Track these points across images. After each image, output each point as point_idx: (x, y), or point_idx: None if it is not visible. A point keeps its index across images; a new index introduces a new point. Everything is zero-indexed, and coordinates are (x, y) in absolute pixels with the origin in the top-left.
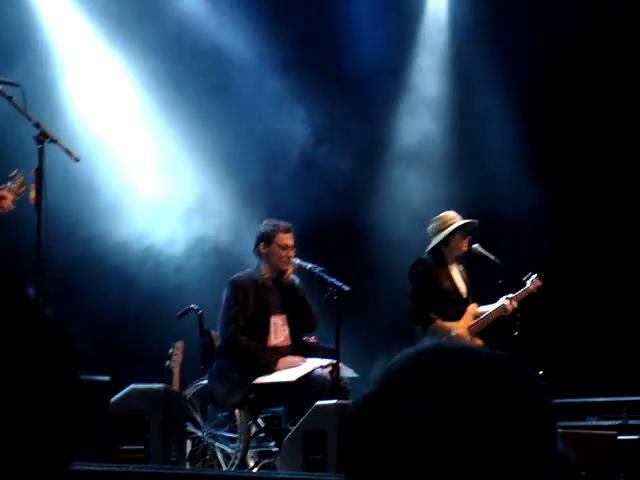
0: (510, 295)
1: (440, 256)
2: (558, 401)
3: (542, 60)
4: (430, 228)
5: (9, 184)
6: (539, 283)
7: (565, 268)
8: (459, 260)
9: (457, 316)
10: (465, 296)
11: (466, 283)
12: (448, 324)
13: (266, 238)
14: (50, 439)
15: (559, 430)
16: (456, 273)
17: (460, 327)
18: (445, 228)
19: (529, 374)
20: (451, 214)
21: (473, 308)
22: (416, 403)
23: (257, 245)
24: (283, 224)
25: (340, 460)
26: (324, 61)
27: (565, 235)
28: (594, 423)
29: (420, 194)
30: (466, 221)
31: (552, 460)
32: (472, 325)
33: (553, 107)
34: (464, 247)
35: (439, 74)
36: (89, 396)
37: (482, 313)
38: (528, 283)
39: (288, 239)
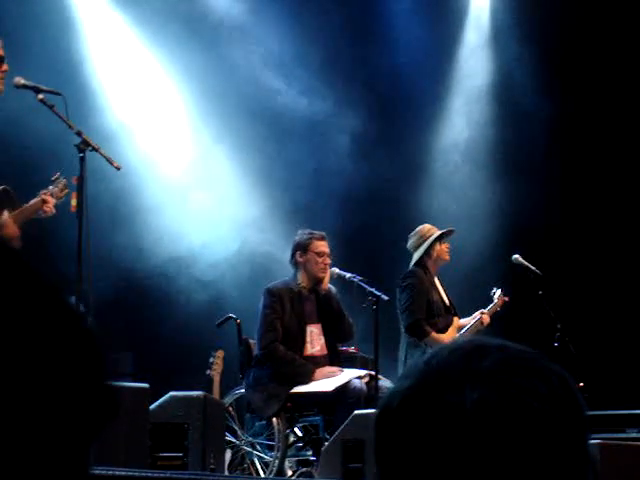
0: (484, 310)
1: (425, 269)
2: (598, 413)
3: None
4: (409, 244)
5: (51, 187)
6: (504, 299)
7: (603, 277)
8: (438, 272)
9: (445, 328)
10: (449, 308)
11: (447, 294)
12: (442, 336)
13: (302, 247)
14: (71, 444)
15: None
16: (439, 285)
17: (447, 340)
18: (424, 241)
19: (563, 372)
20: (427, 226)
21: (457, 321)
22: (466, 396)
23: (293, 254)
24: (318, 232)
25: (376, 453)
26: (367, 77)
27: (609, 243)
28: (634, 435)
29: (465, 203)
30: (443, 231)
31: (588, 458)
32: (457, 338)
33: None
34: (446, 256)
35: (482, 72)
36: (129, 403)
37: (464, 325)
38: (495, 298)
39: (324, 246)
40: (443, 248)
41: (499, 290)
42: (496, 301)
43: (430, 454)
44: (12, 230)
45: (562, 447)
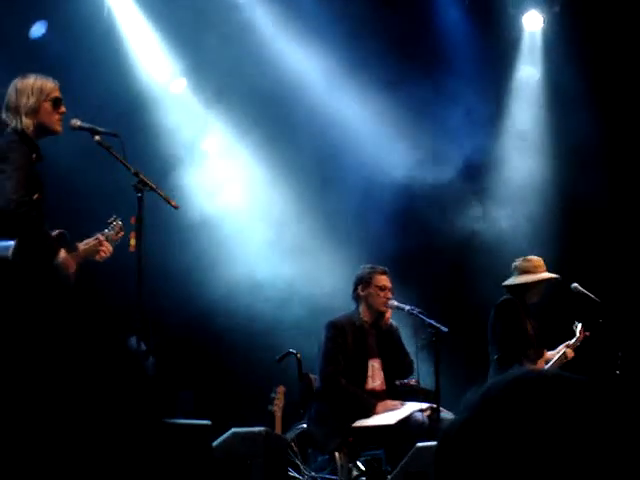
0: (569, 342)
1: (520, 297)
2: None
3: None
4: (517, 264)
5: (107, 230)
6: (586, 333)
7: None
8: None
9: (536, 358)
10: (538, 339)
11: (534, 327)
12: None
13: (364, 281)
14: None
15: None
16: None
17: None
18: (532, 272)
19: (620, 400)
20: (540, 261)
21: (545, 353)
22: (520, 427)
23: (355, 289)
24: (380, 267)
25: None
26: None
27: None
28: None
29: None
30: (554, 276)
31: None
32: None
33: None
34: (538, 298)
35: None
36: (192, 439)
37: (551, 358)
38: (577, 332)
39: (386, 280)
40: (541, 289)
41: (580, 324)
42: (578, 335)
43: None
44: (71, 267)
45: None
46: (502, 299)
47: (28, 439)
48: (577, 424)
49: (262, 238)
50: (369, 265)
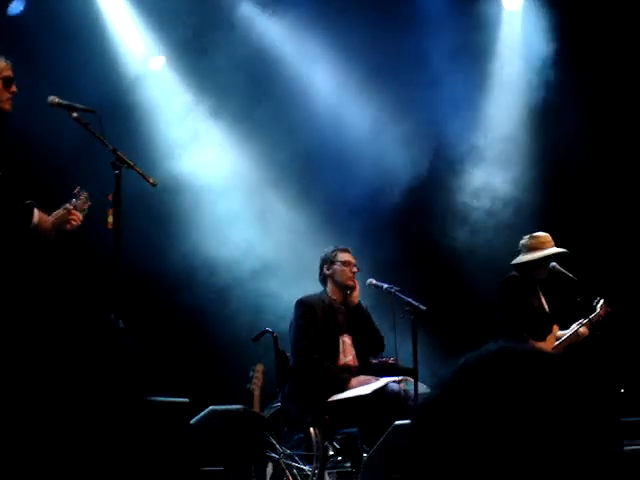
0: (583, 321)
1: (529, 274)
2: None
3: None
4: (524, 242)
5: (74, 200)
6: (607, 309)
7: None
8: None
9: (543, 335)
10: (549, 315)
11: (548, 303)
12: (539, 345)
13: (328, 260)
14: None
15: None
16: (540, 292)
17: (545, 349)
18: (539, 248)
19: (594, 377)
20: (548, 237)
21: (556, 330)
22: (492, 403)
23: (321, 270)
24: (342, 245)
25: (409, 457)
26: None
27: None
28: None
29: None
30: (562, 250)
31: (620, 463)
32: (554, 348)
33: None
34: (545, 274)
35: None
36: (170, 417)
37: (562, 335)
38: (598, 308)
39: (349, 256)
40: (548, 264)
41: (602, 300)
42: (598, 311)
43: (459, 459)
44: (48, 223)
45: (588, 452)
46: (505, 277)
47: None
48: (548, 400)
49: (235, 207)
50: (332, 246)
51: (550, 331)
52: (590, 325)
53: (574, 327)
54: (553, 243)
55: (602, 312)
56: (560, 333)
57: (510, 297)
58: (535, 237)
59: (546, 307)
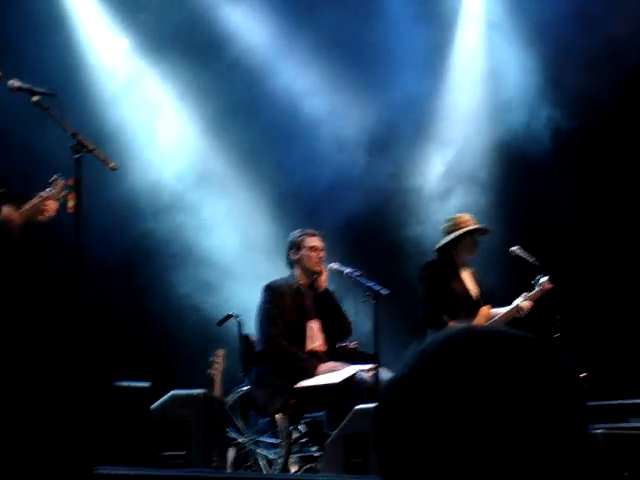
0: (526, 294)
1: (449, 257)
2: (601, 403)
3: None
4: (443, 227)
5: (49, 189)
6: (550, 285)
7: (602, 267)
8: (469, 263)
9: (466, 317)
10: (475, 298)
11: (479, 285)
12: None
13: (296, 245)
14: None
15: (589, 411)
16: (466, 275)
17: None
18: (456, 230)
19: (558, 355)
20: (465, 217)
21: (486, 310)
22: (453, 383)
23: (288, 254)
24: (310, 229)
25: (375, 441)
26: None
27: (606, 234)
28: (637, 424)
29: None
30: (477, 226)
31: (585, 439)
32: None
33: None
34: (473, 253)
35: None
36: (131, 402)
37: (496, 315)
38: (538, 284)
39: (317, 241)
40: (470, 242)
41: (546, 277)
42: (540, 287)
43: (423, 441)
44: (16, 220)
45: (552, 432)
46: (424, 262)
47: None
48: (507, 379)
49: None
50: (299, 230)
51: (475, 313)
52: (534, 300)
53: (516, 302)
54: (473, 222)
55: (545, 288)
56: (495, 311)
57: (427, 280)
58: (452, 219)
59: (471, 289)
